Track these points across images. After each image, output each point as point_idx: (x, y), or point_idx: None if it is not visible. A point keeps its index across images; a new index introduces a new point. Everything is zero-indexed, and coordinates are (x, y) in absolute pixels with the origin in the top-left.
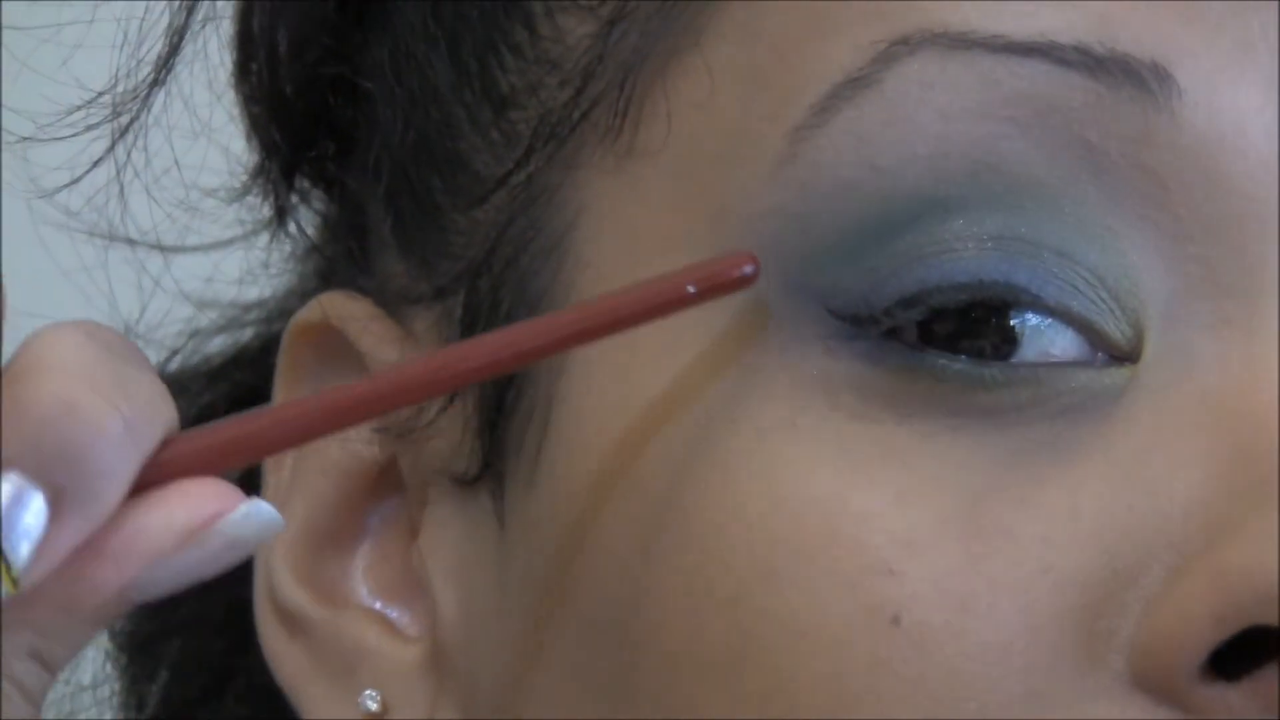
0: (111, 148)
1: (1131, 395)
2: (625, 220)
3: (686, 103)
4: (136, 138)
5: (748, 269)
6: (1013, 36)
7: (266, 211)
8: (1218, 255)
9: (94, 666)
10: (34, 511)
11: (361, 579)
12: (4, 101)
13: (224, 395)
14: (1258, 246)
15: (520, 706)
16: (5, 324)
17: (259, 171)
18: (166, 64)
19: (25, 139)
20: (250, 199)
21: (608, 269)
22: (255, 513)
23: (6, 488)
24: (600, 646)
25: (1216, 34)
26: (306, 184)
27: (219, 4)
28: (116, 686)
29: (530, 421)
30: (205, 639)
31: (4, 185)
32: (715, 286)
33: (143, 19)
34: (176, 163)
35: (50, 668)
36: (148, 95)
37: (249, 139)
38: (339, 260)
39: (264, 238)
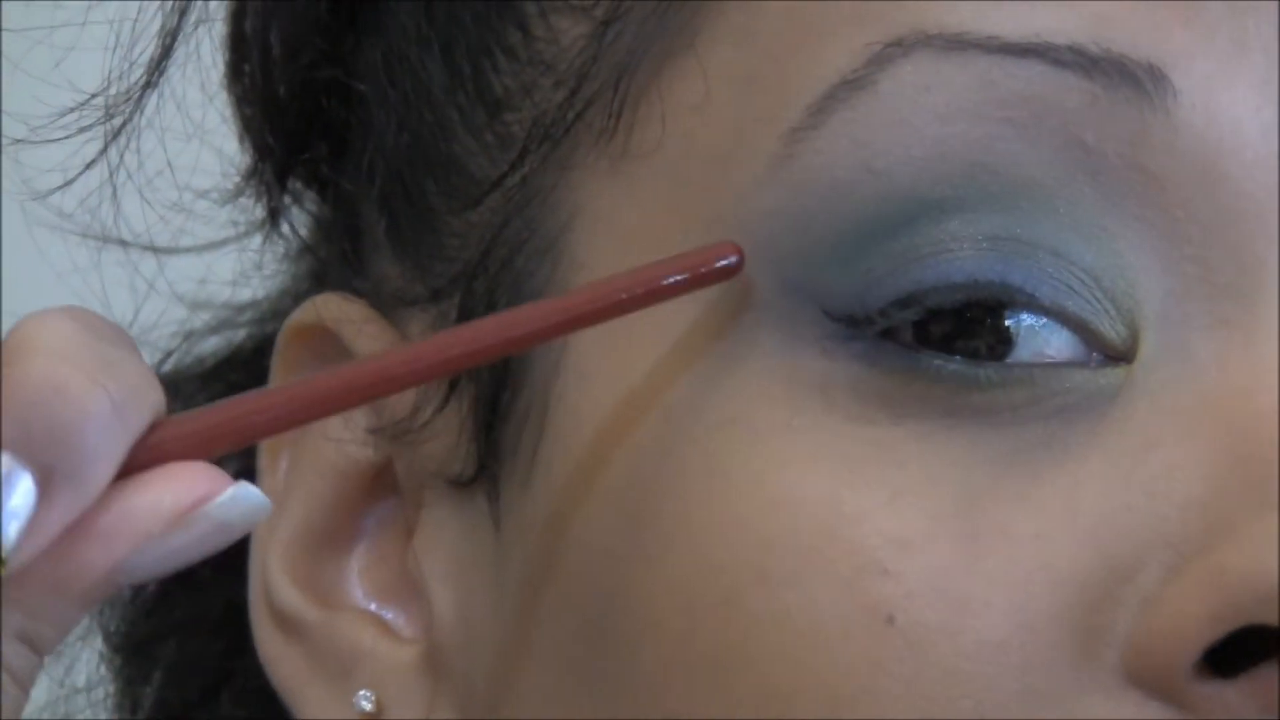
0: (104, 149)
1: (1128, 395)
2: (620, 221)
3: (681, 104)
4: (129, 140)
5: (731, 259)
6: (1008, 37)
7: (259, 213)
8: (1214, 255)
9: (89, 669)
10: (22, 492)
11: (357, 581)
12: None
13: (218, 396)
14: (1254, 246)
15: (516, 707)
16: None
17: (252, 173)
18: (159, 66)
19: (19, 141)
20: (243, 200)
21: (602, 270)
22: (242, 496)
23: None
24: (595, 647)
25: (1212, 35)
26: (299, 185)
27: (211, 6)
28: (111, 689)
29: (526, 423)
30: (200, 641)
31: None
32: (698, 276)
33: (135, 21)
34: (169, 164)
35: (38, 650)
36: (141, 97)
37: (242, 141)
38: (333, 262)
39: (257, 239)
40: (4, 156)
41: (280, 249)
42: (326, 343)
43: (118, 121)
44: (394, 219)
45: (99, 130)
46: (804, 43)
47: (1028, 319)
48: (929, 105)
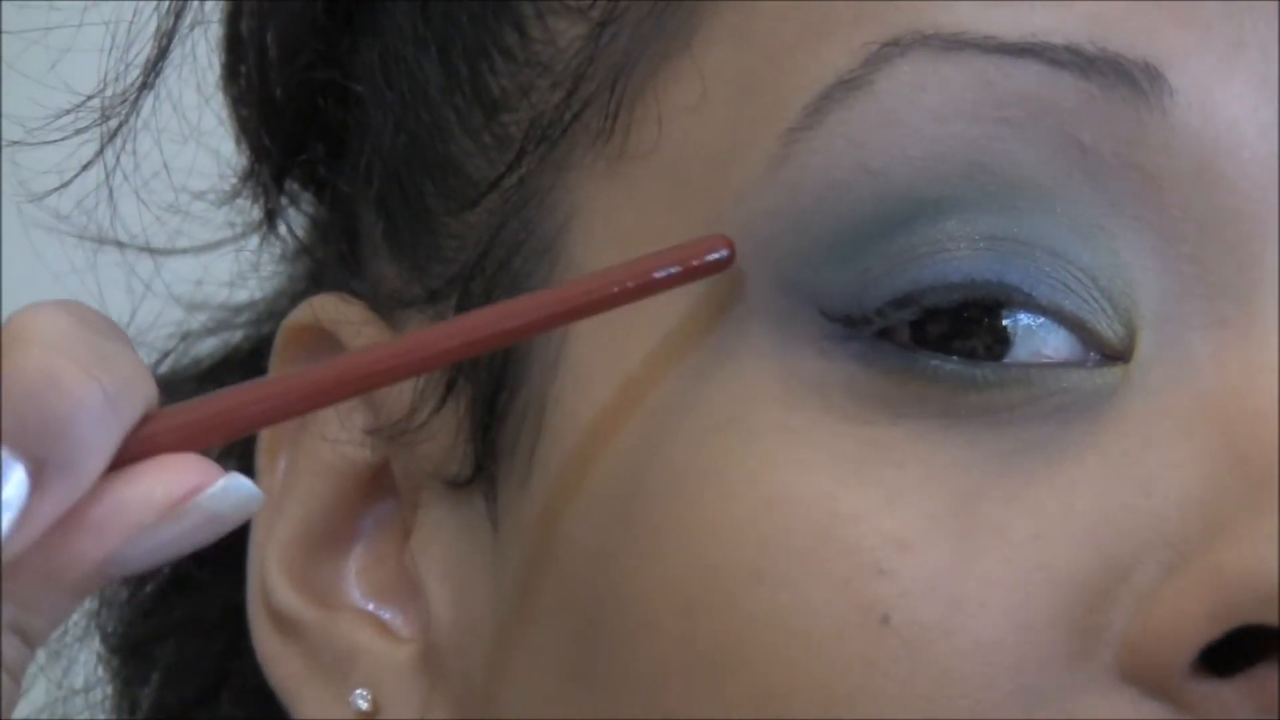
0: (101, 151)
1: (1125, 395)
2: (617, 222)
3: (678, 105)
4: (125, 141)
5: (722, 252)
6: (1005, 37)
7: (256, 214)
8: (1212, 255)
9: (86, 670)
10: (15, 483)
11: (355, 581)
12: None
13: None
14: (1252, 246)
15: (512, 706)
16: None
17: (248, 174)
18: (155, 67)
19: (15, 143)
20: (240, 202)
21: None
22: (234, 487)
23: None
24: (592, 647)
25: (1209, 34)
26: (296, 186)
27: (207, 7)
28: (109, 690)
29: (523, 424)
30: (198, 642)
31: None
32: (690, 269)
33: (131, 22)
34: (166, 166)
35: (30, 642)
36: (137, 98)
37: (238, 142)
38: (330, 263)
39: (254, 241)
40: (1, 158)
41: (277, 250)
42: (324, 343)
43: (114, 123)
44: (391, 220)
45: (95, 132)
46: (800, 43)
47: (1025, 318)
48: (926, 105)
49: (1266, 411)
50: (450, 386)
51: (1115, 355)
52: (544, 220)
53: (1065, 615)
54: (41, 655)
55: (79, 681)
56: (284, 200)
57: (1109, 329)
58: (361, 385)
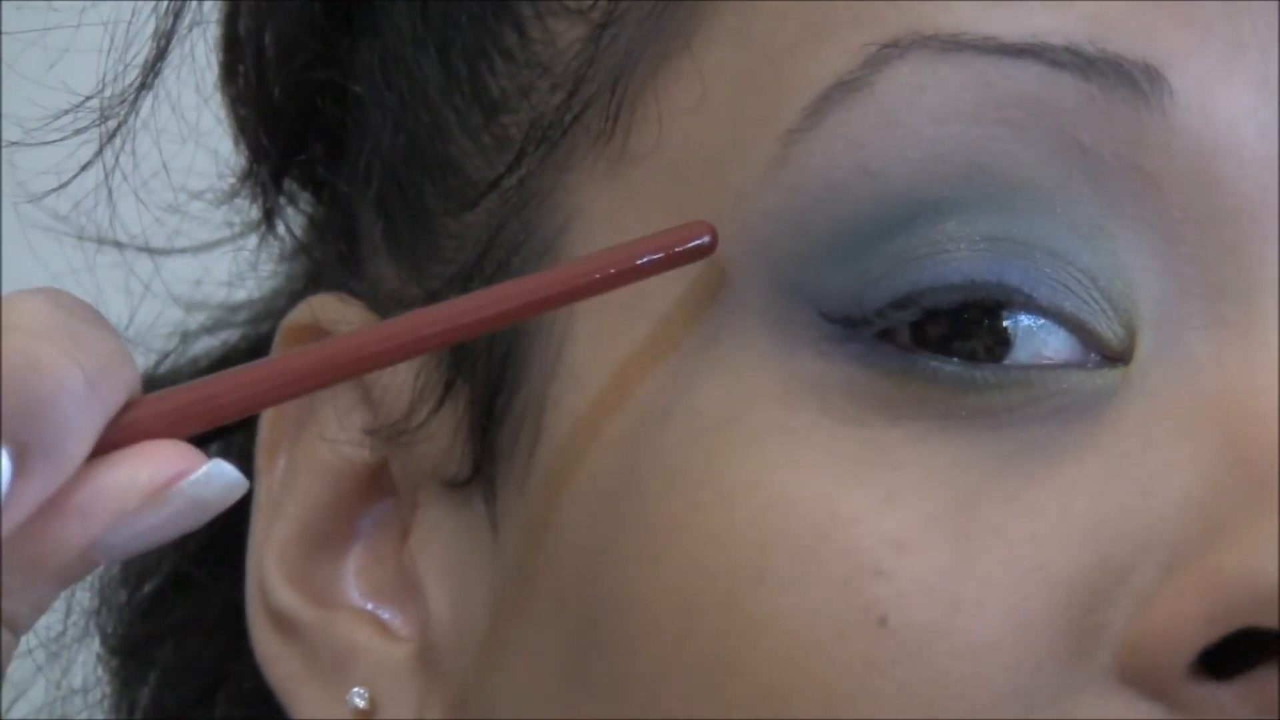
0: (99, 151)
1: (1125, 396)
2: (618, 223)
3: (678, 106)
4: (124, 141)
5: (705, 238)
6: (1004, 38)
7: (254, 214)
8: (1212, 256)
9: (85, 670)
10: None
11: (353, 581)
12: None
13: None
14: (1252, 247)
15: (509, 707)
16: None
17: (247, 174)
18: (154, 68)
19: (13, 144)
20: (238, 202)
21: None
22: (217, 473)
23: None
24: (590, 649)
25: (1208, 35)
26: (294, 186)
27: (205, 7)
28: (108, 690)
29: (522, 425)
30: (197, 643)
31: None
32: (672, 256)
33: (130, 23)
34: (164, 166)
35: (14, 629)
36: (135, 99)
37: (237, 142)
38: (329, 263)
39: (252, 240)
40: (1, 159)
41: (275, 250)
42: None
43: (112, 123)
44: (390, 220)
45: (94, 132)
46: (800, 44)
47: (1025, 320)
48: (925, 106)
49: (1266, 413)
50: (449, 387)
51: (1115, 356)
52: (544, 221)
53: (1063, 616)
54: (40, 655)
55: (78, 681)
56: (282, 200)
57: (1109, 330)
58: (343, 372)
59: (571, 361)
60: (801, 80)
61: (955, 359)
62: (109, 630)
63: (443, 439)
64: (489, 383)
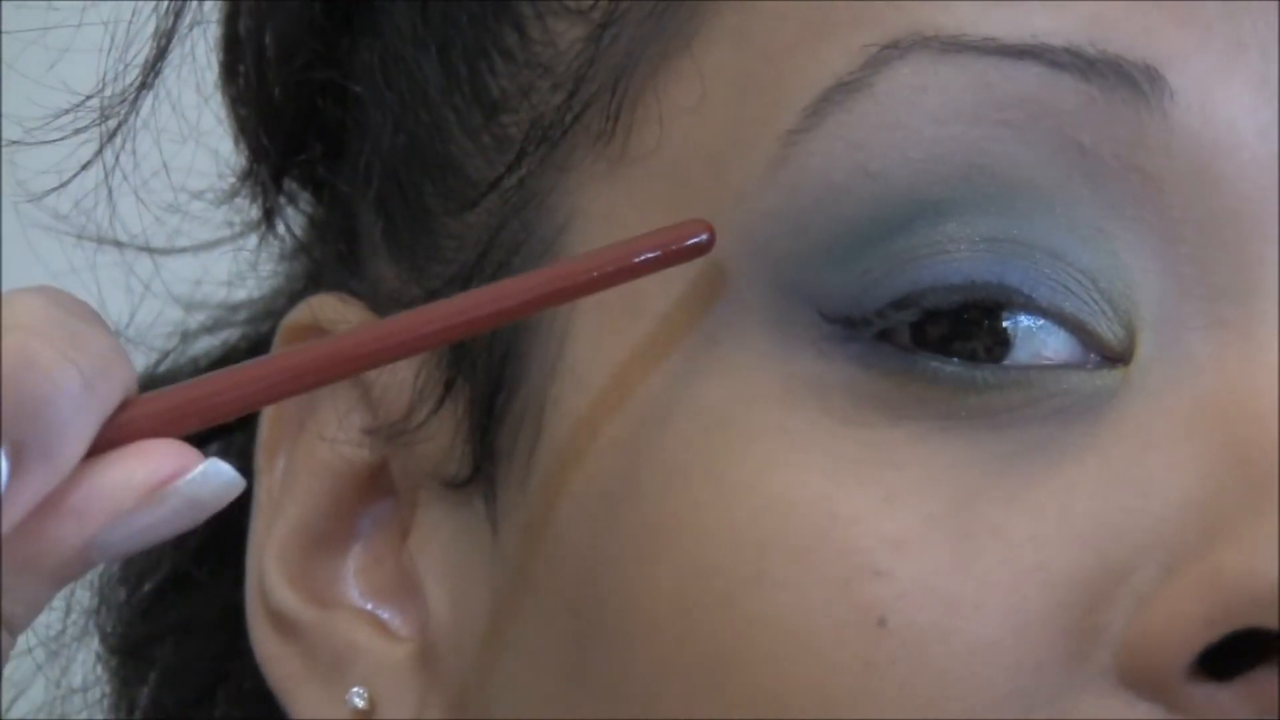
0: (100, 151)
1: (1125, 397)
2: (618, 223)
3: (678, 106)
4: (124, 141)
5: (702, 236)
6: (1004, 39)
7: (254, 213)
8: (1212, 256)
9: (84, 669)
10: None
11: (353, 581)
12: None
13: None
14: (1252, 247)
15: (508, 707)
16: None
17: (247, 174)
18: (154, 67)
19: (14, 143)
20: (238, 201)
21: None
22: (214, 472)
23: None
24: (589, 649)
25: (1208, 35)
26: (294, 186)
27: (206, 7)
28: (107, 689)
29: (522, 426)
30: (196, 643)
31: None
32: (669, 254)
33: (130, 22)
34: (165, 165)
35: (11, 629)
36: (135, 98)
37: (237, 142)
38: (328, 263)
39: (252, 239)
40: (1, 159)
41: (275, 250)
42: None
43: (113, 123)
44: (390, 220)
45: (94, 132)
46: (800, 44)
47: (1025, 320)
48: (925, 107)
49: (1266, 413)
50: (449, 386)
51: (1115, 357)
52: (544, 221)
53: (1062, 616)
54: (40, 654)
55: (77, 681)
56: (282, 200)
57: (1109, 330)
58: (338, 370)
59: (571, 361)
60: (801, 81)
61: (955, 359)
62: (108, 629)
63: (443, 439)
64: (489, 382)
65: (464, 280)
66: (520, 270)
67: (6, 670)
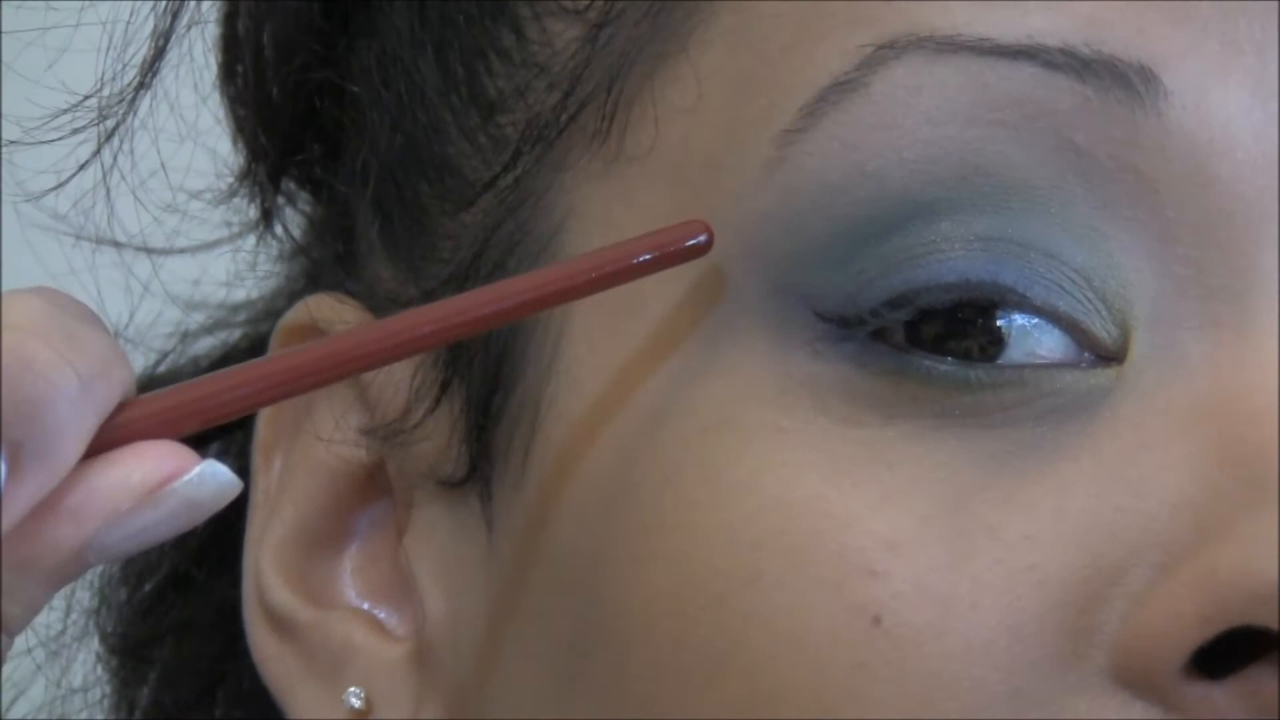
0: (98, 151)
1: (1119, 396)
2: (613, 223)
3: (674, 107)
4: (122, 141)
5: (700, 237)
6: (1000, 40)
7: (253, 214)
8: (1206, 256)
9: (84, 669)
10: None
11: (350, 581)
12: None
13: None
14: (1247, 247)
15: (504, 707)
16: None
17: (245, 174)
18: (152, 67)
19: (12, 143)
20: (237, 201)
21: None
22: (210, 474)
23: None
24: (585, 649)
25: (1204, 35)
26: (293, 186)
27: (204, 7)
28: (107, 689)
29: (518, 426)
30: (196, 642)
31: None
32: (668, 254)
33: (128, 22)
34: (163, 165)
35: (7, 630)
36: (134, 98)
37: (235, 142)
38: (326, 263)
39: (251, 239)
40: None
41: (275, 250)
42: None
43: (111, 123)
44: (387, 220)
45: (92, 132)
46: (796, 45)
47: (1019, 319)
48: (921, 107)
49: (1261, 412)
50: (445, 386)
51: (1109, 356)
52: (540, 221)
53: (1057, 616)
54: (40, 654)
55: (77, 681)
56: (281, 200)
57: (1103, 330)
58: (336, 372)
59: (567, 360)
60: (797, 81)
61: (949, 358)
62: (108, 629)
63: (439, 438)
64: (485, 381)
65: (460, 280)
66: (516, 270)
67: (6, 670)
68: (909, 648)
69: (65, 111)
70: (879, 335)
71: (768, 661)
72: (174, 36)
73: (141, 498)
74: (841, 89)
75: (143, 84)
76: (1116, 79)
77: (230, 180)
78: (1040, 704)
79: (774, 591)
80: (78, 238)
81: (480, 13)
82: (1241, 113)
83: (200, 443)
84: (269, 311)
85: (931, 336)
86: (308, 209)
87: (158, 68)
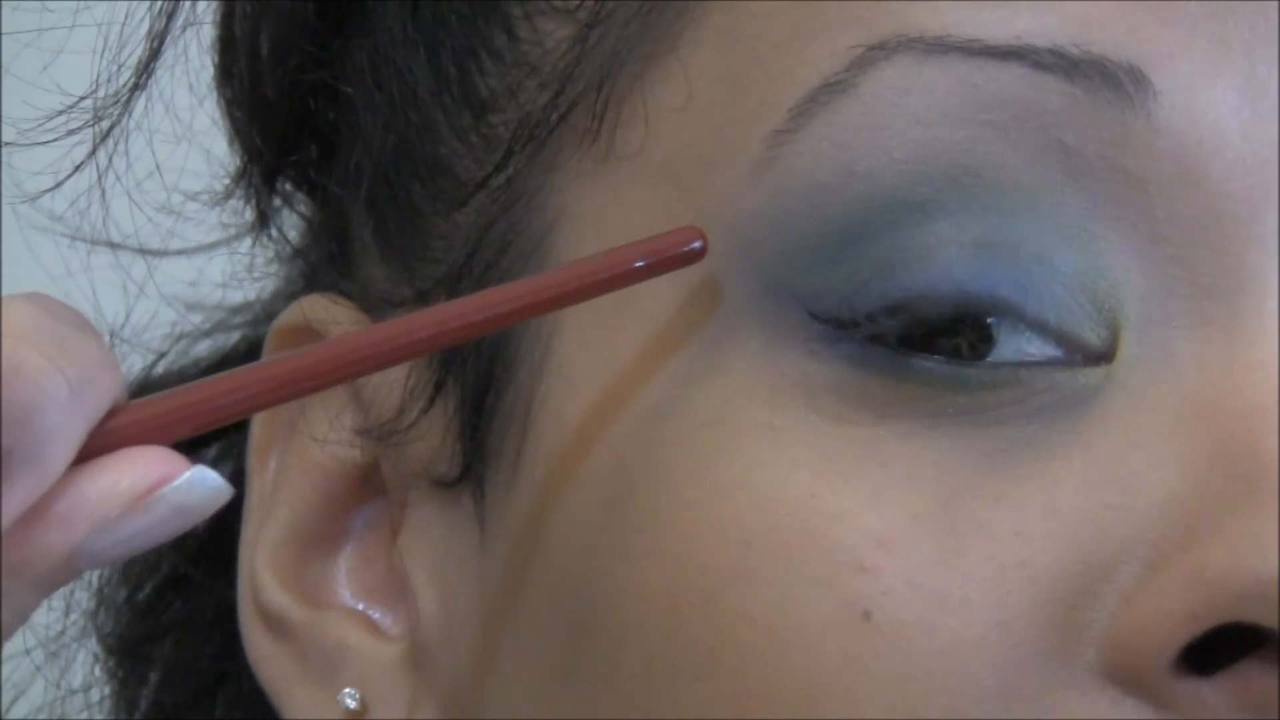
0: (93, 152)
1: (1109, 395)
2: (605, 223)
3: (664, 107)
4: (118, 142)
5: (695, 244)
6: (989, 41)
7: (249, 215)
8: (1196, 255)
9: (84, 670)
10: None
11: (345, 581)
12: None
13: None
14: (1236, 246)
15: (498, 705)
16: None
17: (241, 175)
18: (147, 68)
19: (7, 144)
20: (233, 202)
21: None
22: (199, 480)
23: None
24: (577, 647)
25: (1193, 36)
26: (290, 187)
27: (199, 8)
28: (107, 690)
29: (510, 424)
30: (196, 642)
31: None
32: (663, 261)
33: (123, 24)
34: (158, 167)
35: None
36: (129, 99)
37: (231, 143)
38: (322, 264)
39: (248, 241)
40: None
41: (272, 251)
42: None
43: (106, 124)
44: (380, 221)
45: (87, 133)
46: (786, 45)
47: (1010, 317)
48: (910, 108)
49: (1250, 410)
50: (439, 387)
51: (1098, 357)
52: (532, 220)
53: (1046, 613)
54: (40, 655)
55: (77, 681)
56: (279, 201)
57: (1093, 334)
58: (327, 379)
59: (559, 359)
60: (787, 82)
61: (939, 356)
62: (108, 630)
63: (433, 439)
64: (478, 381)
65: (454, 280)
66: (509, 269)
67: (6, 671)
68: (899, 643)
69: (61, 113)
70: (875, 338)
71: (758, 658)
72: (169, 37)
73: (130, 504)
74: (831, 90)
75: (138, 85)
76: (1106, 79)
77: (226, 181)
78: (1030, 700)
79: (764, 588)
80: (74, 239)
81: (472, 12)
82: (1230, 112)
83: (200, 445)
84: (268, 313)
85: (922, 334)
86: (306, 210)
87: (153, 69)
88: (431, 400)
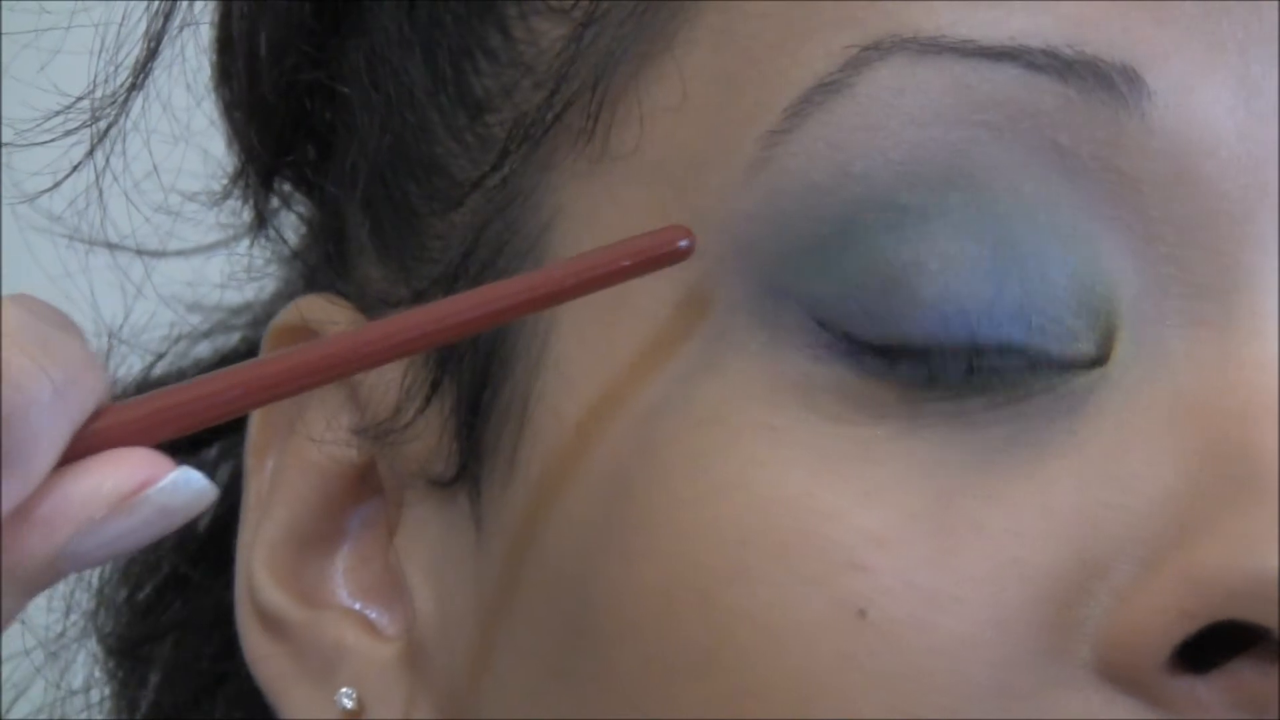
0: (90, 152)
1: (1104, 394)
2: (600, 222)
3: (659, 106)
4: (115, 143)
5: (683, 243)
6: (983, 41)
7: (248, 216)
8: (1190, 255)
9: (85, 670)
10: None
11: (342, 580)
12: None
13: None
14: (1230, 245)
15: (494, 705)
16: None
17: (239, 175)
18: (145, 68)
19: (5, 145)
20: (232, 203)
21: None
22: (184, 481)
23: None
24: (574, 646)
25: (1187, 36)
26: (288, 188)
27: (196, 8)
28: (107, 690)
29: (506, 423)
30: (196, 642)
31: None
32: (652, 259)
33: (121, 24)
34: (155, 167)
35: None
36: (126, 100)
37: (229, 143)
38: (319, 264)
39: (246, 241)
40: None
41: (270, 252)
42: None
43: (103, 124)
44: (377, 221)
45: (85, 133)
46: (781, 45)
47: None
48: (904, 109)
49: (1244, 409)
50: (435, 386)
51: (1094, 358)
52: (527, 220)
53: (1040, 611)
54: (40, 655)
55: (77, 681)
56: (276, 201)
57: (1088, 334)
58: (315, 379)
59: (555, 357)
60: (782, 82)
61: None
62: (107, 631)
63: (429, 438)
64: (475, 379)
65: (450, 280)
66: (505, 269)
67: (6, 671)
68: (894, 641)
69: (59, 113)
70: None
71: (754, 656)
72: (167, 38)
73: (114, 505)
74: (826, 90)
75: (136, 85)
76: (1100, 79)
77: (224, 182)
78: (1025, 698)
79: (760, 587)
80: (71, 239)
81: (467, 12)
82: (1225, 112)
83: (201, 446)
84: (268, 315)
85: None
86: (304, 211)
87: (150, 69)
88: (428, 399)
